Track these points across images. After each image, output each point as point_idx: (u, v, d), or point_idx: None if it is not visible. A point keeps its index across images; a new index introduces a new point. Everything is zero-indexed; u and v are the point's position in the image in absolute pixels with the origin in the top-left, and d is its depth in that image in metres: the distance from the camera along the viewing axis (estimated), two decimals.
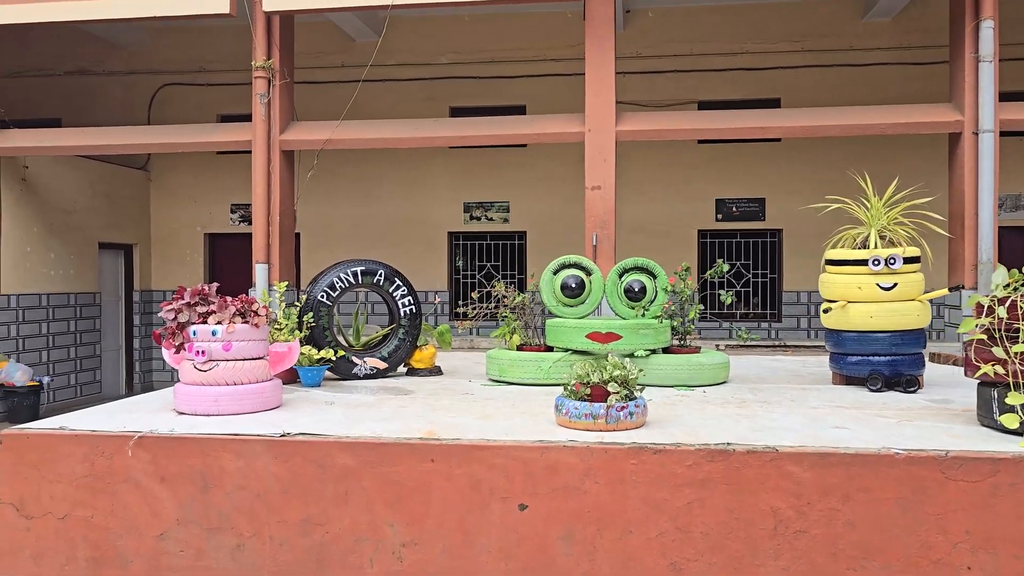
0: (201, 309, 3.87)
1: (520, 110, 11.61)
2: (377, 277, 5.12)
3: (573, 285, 4.96)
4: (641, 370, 3.55)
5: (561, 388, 3.53)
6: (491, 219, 12.09)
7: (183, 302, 3.89)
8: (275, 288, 4.78)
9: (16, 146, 9.25)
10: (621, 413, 3.23)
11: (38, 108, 12.30)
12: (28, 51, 12.41)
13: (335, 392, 4.46)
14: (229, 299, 3.92)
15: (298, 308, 4.91)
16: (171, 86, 12.50)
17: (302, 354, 4.73)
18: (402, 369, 5.27)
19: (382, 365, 5.10)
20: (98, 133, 9.22)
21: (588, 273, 5.04)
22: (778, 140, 11.25)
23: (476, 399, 4.19)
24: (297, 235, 11.38)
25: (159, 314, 3.90)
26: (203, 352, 3.73)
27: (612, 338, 4.68)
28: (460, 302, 11.35)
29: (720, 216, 11.61)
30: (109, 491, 3.26)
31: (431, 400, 4.15)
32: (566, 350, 4.76)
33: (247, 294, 3.94)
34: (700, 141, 11.39)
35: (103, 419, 3.62)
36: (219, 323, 3.82)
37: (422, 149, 11.84)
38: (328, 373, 4.93)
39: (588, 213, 7.45)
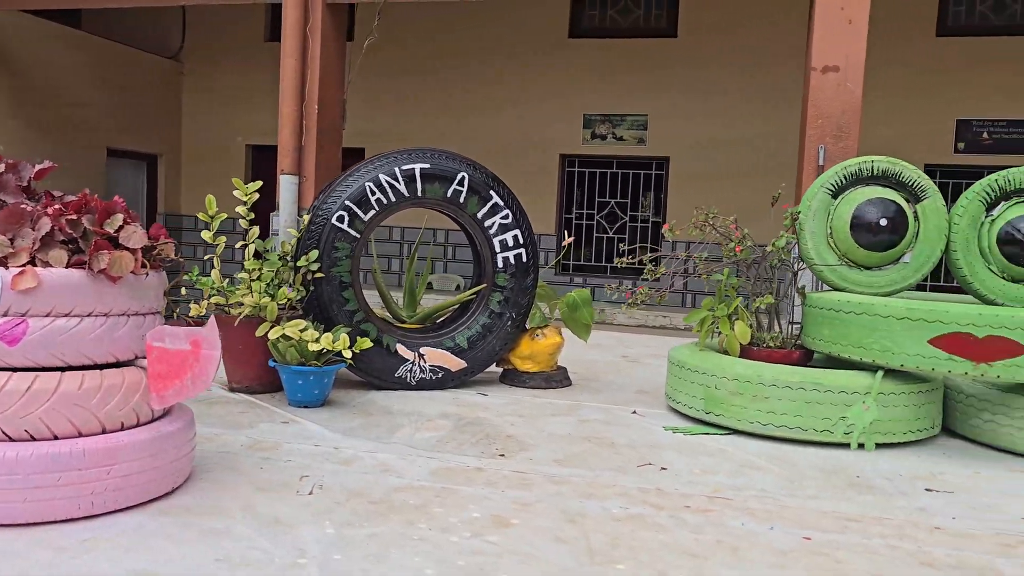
0: None
1: None
2: (454, 187, 2.77)
3: (883, 222, 2.49)
4: None
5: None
6: (621, 139, 9.50)
7: None
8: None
9: None
10: None
11: None
12: None
13: (344, 434, 2.11)
14: (43, 198, 1.60)
15: (294, 242, 2.59)
16: None
17: (286, 339, 2.39)
18: (493, 368, 2.98)
19: (456, 364, 2.84)
20: None
21: (914, 197, 2.55)
22: None
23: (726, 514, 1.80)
24: (362, 150, 9.11)
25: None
26: None
27: (999, 350, 2.18)
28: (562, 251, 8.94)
29: (962, 145, 8.60)
30: None
31: (602, 499, 1.77)
32: (856, 365, 2.32)
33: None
34: (939, 34, 8.46)
35: None
36: None
37: (529, 38, 9.37)
38: (346, 372, 2.68)
39: (812, 112, 4.77)
